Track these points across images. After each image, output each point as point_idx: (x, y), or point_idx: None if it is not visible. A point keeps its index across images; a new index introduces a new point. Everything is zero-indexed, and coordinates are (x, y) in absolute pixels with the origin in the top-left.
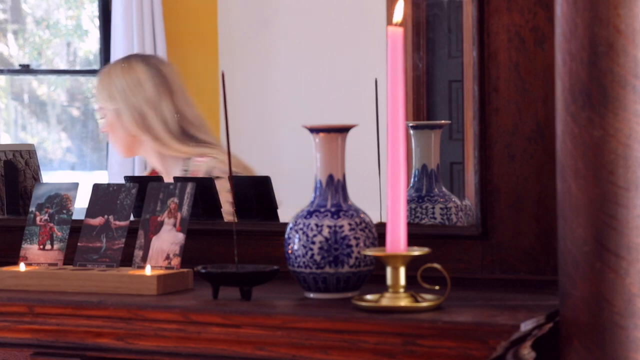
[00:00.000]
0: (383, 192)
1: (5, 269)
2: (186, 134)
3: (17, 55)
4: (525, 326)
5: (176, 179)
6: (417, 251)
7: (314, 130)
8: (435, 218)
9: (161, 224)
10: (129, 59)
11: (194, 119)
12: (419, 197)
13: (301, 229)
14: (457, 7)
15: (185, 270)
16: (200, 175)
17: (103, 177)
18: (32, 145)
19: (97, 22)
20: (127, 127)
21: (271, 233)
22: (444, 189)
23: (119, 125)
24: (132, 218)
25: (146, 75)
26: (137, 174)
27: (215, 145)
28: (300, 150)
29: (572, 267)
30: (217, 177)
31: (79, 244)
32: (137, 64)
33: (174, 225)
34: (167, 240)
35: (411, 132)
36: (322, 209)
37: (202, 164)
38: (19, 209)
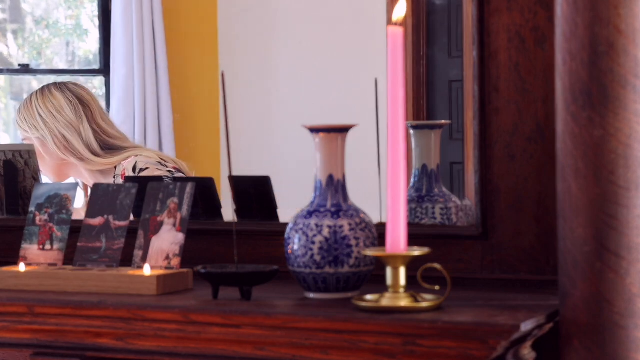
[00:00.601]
0: (383, 192)
1: (5, 269)
2: (109, 147)
3: (16, 55)
4: (526, 326)
5: (175, 179)
6: (417, 251)
7: (314, 130)
8: (435, 218)
9: (161, 224)
10: (47, 87)
11: (113, 133)
12: (419, 197)
13: (301, 229)
14: (457, 7)
15: (185, 270)
16: (128, 172)
17: None
18: (31, 146)
19: (96, 21)
20: (53, 153)
21: (271, 233)
22: (444, 189)
23: (45, 151)
24: (131, 218)
25: (64, 100)
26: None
27: (137, 147)
28: (300, 150)
29: (572, 267)
30: (144, 169)
31: (78, 244)
32: (55, 91)
33: (174, 225)
34: (167, 240)
35: (411, 132)
36: (322, 209)
37: (128, 163)
38: (18, 209)
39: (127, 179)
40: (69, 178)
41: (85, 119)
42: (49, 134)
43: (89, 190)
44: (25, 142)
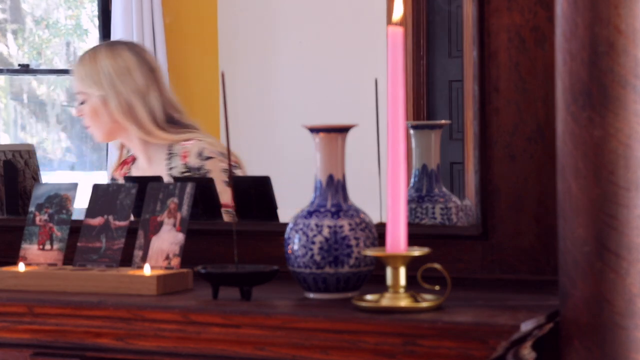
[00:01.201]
0: (383, 192)
1: (5, 269)
2: (171, 121)
3: (16, 55)
4: (526, 326)
5: (176, 178)
6: (417, 251)
7: (314, 130)
8: (435, 218)
9: (161, 224)
10: (115, 45)
11: (177, 106)
12: (419, 197)
13: (301, 229)
14: (457, 7)
15: (185, 270)
16: (192, 156)
17: (102, 177)
18: (31, 146)
19: (96, 21)
20: (112, 115)
21: (271, 233)
22: (444, 189)
23: (103, 112)
24: (131, 218)
25: (134, 64)
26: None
27: (197, 129)
28: (300, 150)
29: (573, 267)
30: (210, 158)
31: (78, 244)
32: (124, 51)
33: (174, 225)
34: (167, 240)
35: (411, 132)
36: (322, 209)
37: (192, 146)
38: (18, 209)
39: (189, 168)
40: (116, 140)
41: (153, 87)
42: (114, 95)
43: (124, 150)
44: (79, 96)
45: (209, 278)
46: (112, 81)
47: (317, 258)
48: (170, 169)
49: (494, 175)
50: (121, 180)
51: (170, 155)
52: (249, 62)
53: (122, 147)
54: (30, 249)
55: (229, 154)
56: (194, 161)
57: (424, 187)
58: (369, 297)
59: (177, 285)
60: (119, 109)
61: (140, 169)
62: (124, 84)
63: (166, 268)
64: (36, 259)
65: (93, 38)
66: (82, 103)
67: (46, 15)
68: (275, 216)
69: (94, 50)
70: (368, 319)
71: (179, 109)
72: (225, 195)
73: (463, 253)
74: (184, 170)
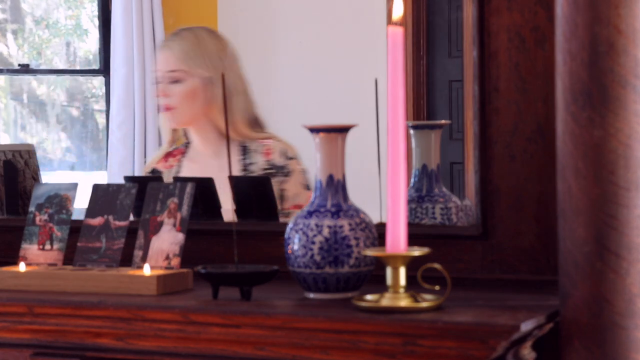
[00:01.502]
0: (383, 192)
1: (5, 269)
2: (254, 120)
3: (16, 55)
4: (526, 326)
5: (176, 179)
6: (417, 251)
7: (314, 130)
8: (435, 218)
9: (161, 224)
10: (213, 31)
11: (258, 109)
12: (419, 197)
13: (301, 229)
14: (457, 7)
15: (185, 270)
16: (276, 154)
17: (102, 177)
18: (31, 146)
19: (96, 21)
20: (210, 100)
21: (271, 233)
22: (444, 189)
23: (201, 95)
24: (131, 218)
25: (236, 56)
26: (137, 173)
27: (272, 134)
28: (301, 150)
29: (573, 267)
30: (292, 158)
31: (78, 244)
32: (225, 39)
33: (174, 225)
34: (167, 240)
35: (411, 132)
36: (322, 209)
37: (273, 145)
38: (18, 209)
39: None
40: (189, 128)
41: (248, 84)
42: (219, 81)
43: (173, 141)
44: (173, 74)
45: (209, 278)
46: (220, 65)
47: (317, 258)
48: (249, 164)
49: (494, 175)
50: (166, 172)
51: (246, 151)
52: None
53: (173, 137)
54: (31, 249)
55: (228, 154)
56: (278, 159)
57: (424, 187)
58: (369, 297)
59: (177, 285)
60: (220, 95)
61: (197, 162)
62: (231, 71)
63: (166, 268)
64: (36, 259)
65: (93, 38)
66: (175, 82)
67: (46, 15)
68: (275, 216)
69: (191, 30)
70: (368, 319)
71: (257, 110)
72: (301, 197)
73: (463, 253)
74: (267, 167)
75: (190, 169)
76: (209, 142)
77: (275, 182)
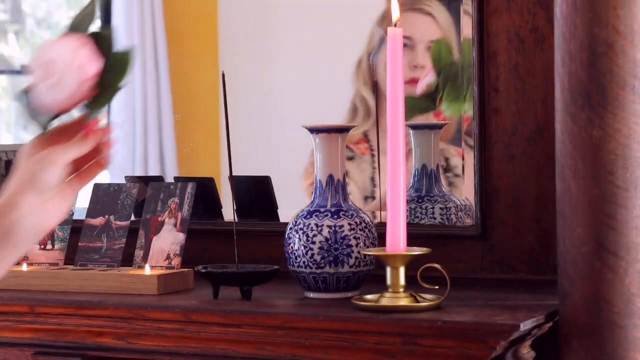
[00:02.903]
0: (383, 192)
1: None
2: None
3: (17, 56)
4: (525, 326)
5: (176, 178)
6: (417, 251)
7: (314, 130)
8: (435, 218)
9: (162, 224)
10: None
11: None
12: (418, 197)
13: (301, 229)
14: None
15: (185, 270)
16: None
17: (102, 177)
18: None
19: (97, 22)
20: None
21: (271, 233)
22: (443, 189)
23: None
24: (132, 218)
25: None
26: (137, 174)
27: None
28: (301, 150)
29: (572, 267)
30: None
31: (79, 244)
32: None
33: (175, 225)
34: (168, 240)
35: (411, 132)
36: (322, 209)
37: None
38: None
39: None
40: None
41: None
42: None
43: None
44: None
45: (209, 278)
46: None
47: (317, 258)
48: None
49: (494, 175)
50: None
51: None
52: (249, 62)
53: None
54: (32, 249)
55: (229, 153)
56: None
57: (424, 187)
58: (368, 296)
59: (178, 285)
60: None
61: None
62: None
63: (167, 268)
64: (37, 258)
65: None
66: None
67: (47, 16)
68: (275, 216)
69: None
70: (368, 318)
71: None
72: None
73: (463, 253)
74: None
75: None
76: None
77: None
